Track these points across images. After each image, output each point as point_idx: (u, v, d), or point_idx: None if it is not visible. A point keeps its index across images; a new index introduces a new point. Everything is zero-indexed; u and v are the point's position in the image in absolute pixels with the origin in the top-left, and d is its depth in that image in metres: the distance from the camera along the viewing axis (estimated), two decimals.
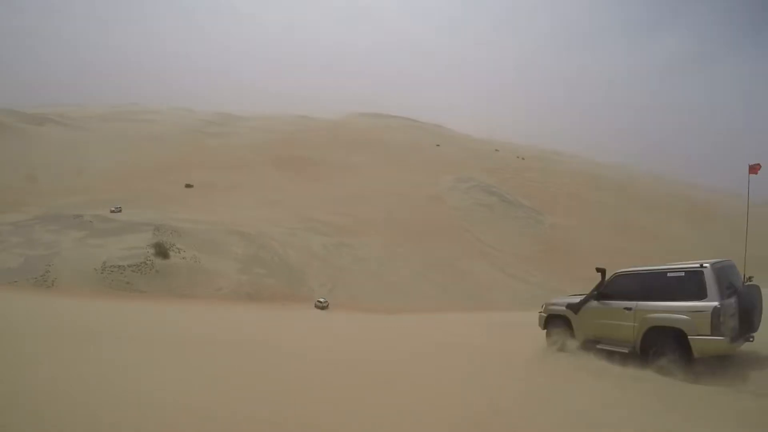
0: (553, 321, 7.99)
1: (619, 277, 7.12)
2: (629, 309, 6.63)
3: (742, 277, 6.66)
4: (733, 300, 5.93)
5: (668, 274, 6.52)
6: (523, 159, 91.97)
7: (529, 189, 70.19)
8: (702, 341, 5.78)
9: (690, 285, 6.09)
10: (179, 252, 31.89)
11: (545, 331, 8.10)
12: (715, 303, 5.74)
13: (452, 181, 67.13)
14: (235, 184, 59.73)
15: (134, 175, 60.96)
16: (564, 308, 7.76)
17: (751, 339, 6.19)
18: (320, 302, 29.82)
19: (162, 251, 30.95)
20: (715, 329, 5.69)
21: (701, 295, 5.92)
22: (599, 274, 7.35)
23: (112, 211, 40.85)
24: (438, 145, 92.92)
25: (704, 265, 6.09)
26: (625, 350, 6.64)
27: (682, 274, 6.33)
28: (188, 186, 58.33)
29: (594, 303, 7.25)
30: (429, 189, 62.36)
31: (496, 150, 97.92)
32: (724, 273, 6.20)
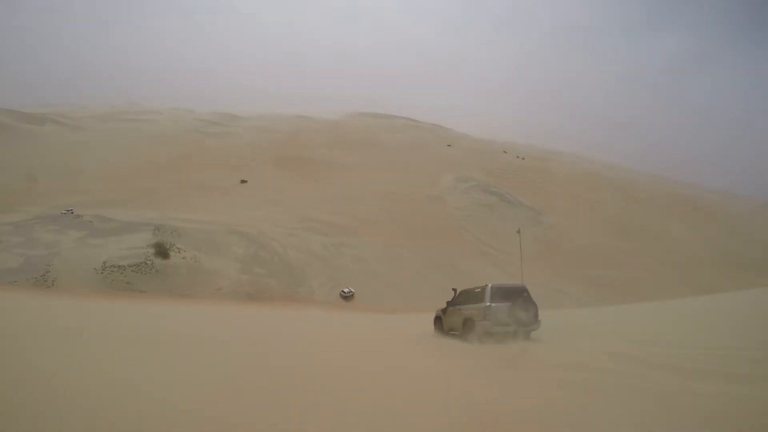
0: (437, 320, 13.19)
1: (460, 293, 12.17)
2: (460, 309, 11.58)
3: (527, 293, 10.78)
4: (503, 304, 10.19)
5: (475, 290, 11.17)
6: (523, 159, 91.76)
7: (529, 189, 70.11)
8: (480, 324, 10.30)
9: (481, 295, 10.72)
10: (179, 252, 31.90)
11: (434, 326, 13.28)
12: (487, 303, 10.29)
13: (452, 181, 67.07)
14: (235, 184, 59.74)
15: (134, 175, 60.94)
16: (440, 312, 12.91)
17: (533, 328, 10.18)
18: (344, 292, 30.01)
19: (162, 251, 30.95)
20: (485, 318, 10.22)
21: (483, 300, 10.47)
22: (453, 291, 12.61)
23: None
24: (449, 146, 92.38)
25: (487, 284, 10.80)
26: (459, 333, 11.19)
27: (479, 289, 10.97)
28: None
29: (450, 308, 12.28)
30: (429, 189, 62.32)
31: (504, 152, 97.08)
32: (501, 289, 10.67)
